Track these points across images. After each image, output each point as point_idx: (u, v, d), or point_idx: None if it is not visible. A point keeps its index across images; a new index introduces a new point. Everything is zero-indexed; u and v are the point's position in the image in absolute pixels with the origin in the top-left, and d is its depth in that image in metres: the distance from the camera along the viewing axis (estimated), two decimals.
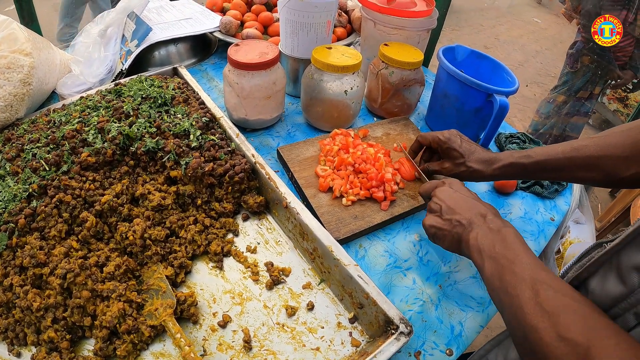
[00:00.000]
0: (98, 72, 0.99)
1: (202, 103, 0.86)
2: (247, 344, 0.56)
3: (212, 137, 0.77)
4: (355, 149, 0.82)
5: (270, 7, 1.27)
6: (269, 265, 0.66)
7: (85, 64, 0.99)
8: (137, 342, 0.55)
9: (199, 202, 0.72)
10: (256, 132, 0.95)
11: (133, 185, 0.71)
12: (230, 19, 1.14)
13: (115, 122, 0.74)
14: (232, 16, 1.18)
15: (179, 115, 0.79)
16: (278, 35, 1.12)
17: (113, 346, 0.55)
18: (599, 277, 0.45)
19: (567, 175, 0.66)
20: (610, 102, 3.06)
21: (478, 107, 0.88)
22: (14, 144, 0.73)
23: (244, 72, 0.83)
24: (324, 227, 0.66)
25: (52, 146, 0.71)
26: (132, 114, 0.76)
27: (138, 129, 0.73)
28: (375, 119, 1.04)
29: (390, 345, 0.52)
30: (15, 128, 0.79)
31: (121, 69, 0.99)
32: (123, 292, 0.57)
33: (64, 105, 0.84)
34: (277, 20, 1.21)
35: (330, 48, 0.90)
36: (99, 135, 0.72)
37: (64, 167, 0.68)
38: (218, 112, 0.84)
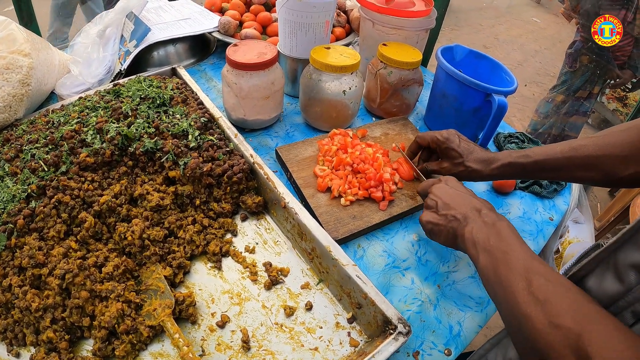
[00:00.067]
0: (97, 73, 0.99)
1: (201, 103, 0.86)
2: (246, 344, 0.56)
3: (210, 137, 0.77)
4: (353, 149, 0.82)
5: (269, 7, 1.27)
6: (268, 266, 0.66)
7: (84, 65, 0.99)
8: (135, 342, 0.55)
9: (198, 202, 0.72)
10: (255, 132, 0.95)
11: (132, 185, 0.72)
12: (228, 19, 1.15)
13: (113, 123, 0.74)
14: (230, 16, 1.18)
15: (178, 116, 0.80)
16: (277, 35, 1.12)
17: (112, 346, 0.55)
18: (597, 276, 0.45)
19: (566, 175, 0.66)
20: (609, 102, 3.06)
21: (477, 107, 0.88)
22: (12, 145, 0.73)
23: (243, 72, 0.83)
24: (323, 227, 0.66)
25: (50, 147, 0.71)
26: (130, 114, 0.76)
27: (137, 130, 0.73)
28: (373, 119, 1.04)
29: (389, 345, 0.52)
30: (14, 128, 0.79)
31: (120, 70, 0.99)
32: (122, 293, 0.58)
33: (62, 105, 0.85)
34: (276, 20, 1.21)
35: (328, 48, 0.90)
36: (98, 136, 0.72)
37: (63, 168, 0.68)
38: (216, 113, 0.84)
